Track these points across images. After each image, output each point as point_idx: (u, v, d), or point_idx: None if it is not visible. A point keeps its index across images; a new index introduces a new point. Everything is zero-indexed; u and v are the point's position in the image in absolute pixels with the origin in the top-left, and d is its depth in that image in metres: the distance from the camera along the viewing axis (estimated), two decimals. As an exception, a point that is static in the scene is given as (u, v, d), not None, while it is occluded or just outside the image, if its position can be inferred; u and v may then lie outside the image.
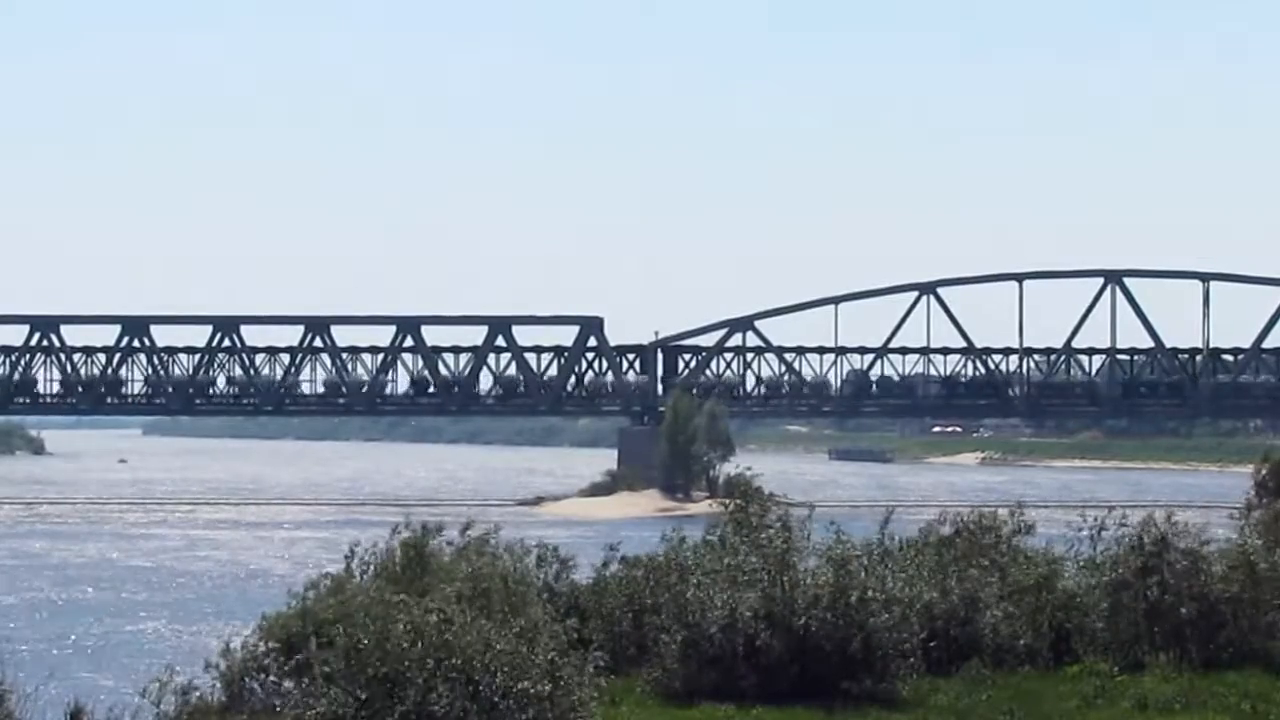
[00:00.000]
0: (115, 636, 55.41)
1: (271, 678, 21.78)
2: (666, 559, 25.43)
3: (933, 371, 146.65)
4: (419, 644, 19.33)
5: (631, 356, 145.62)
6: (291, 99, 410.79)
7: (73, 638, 54.66)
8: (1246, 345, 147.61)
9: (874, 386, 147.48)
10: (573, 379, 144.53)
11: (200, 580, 74.57)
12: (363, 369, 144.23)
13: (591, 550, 27.91)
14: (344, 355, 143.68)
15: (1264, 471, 33.19)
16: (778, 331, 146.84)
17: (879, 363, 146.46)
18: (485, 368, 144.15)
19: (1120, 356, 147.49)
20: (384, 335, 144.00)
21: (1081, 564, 27.53)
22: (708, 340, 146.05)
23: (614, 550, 26.96)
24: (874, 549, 25.64)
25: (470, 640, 19.45)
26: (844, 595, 23.78)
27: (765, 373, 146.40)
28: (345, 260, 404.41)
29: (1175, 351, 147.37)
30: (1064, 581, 27.26)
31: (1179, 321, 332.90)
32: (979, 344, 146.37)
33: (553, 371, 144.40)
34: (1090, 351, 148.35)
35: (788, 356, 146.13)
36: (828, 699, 23.38)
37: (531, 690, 19.40)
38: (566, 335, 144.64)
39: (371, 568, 23.63)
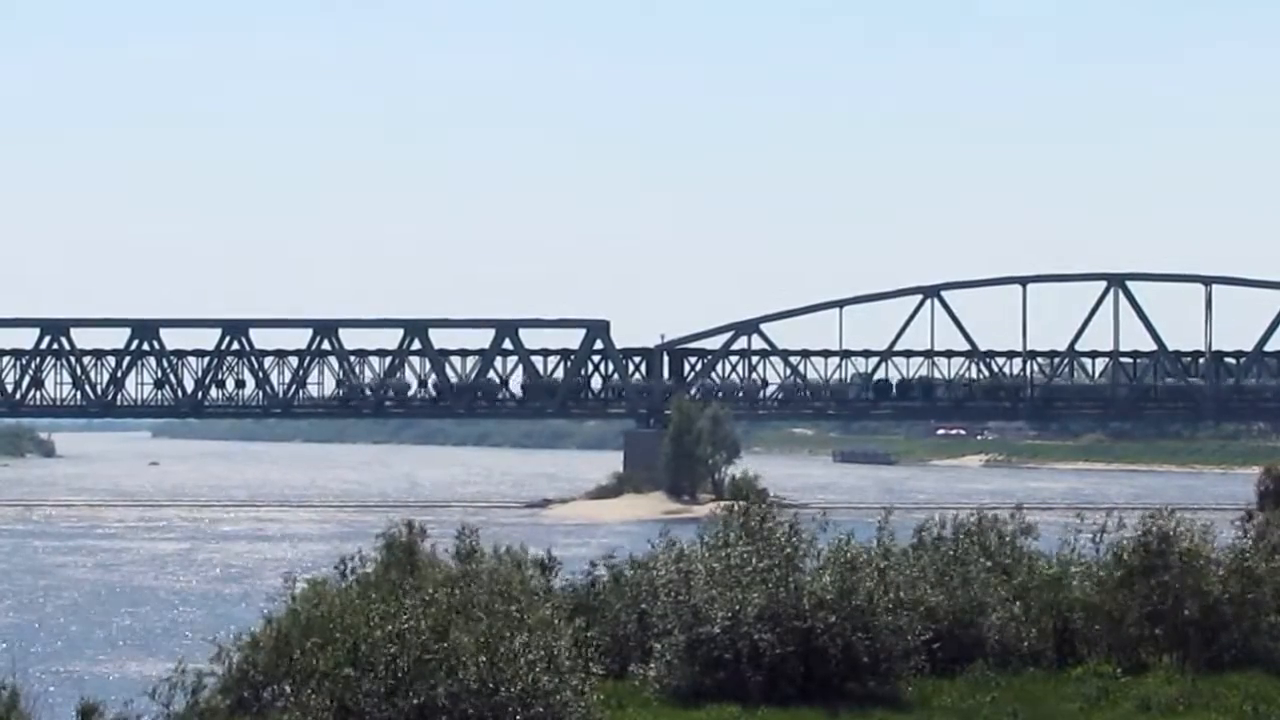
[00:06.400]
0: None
1: (262, 676, 21.80)
2: (670, 560, 25.54)
3: (937, 374, 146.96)
4: (417, 645, 19.54)
5: (638, 359, 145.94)
6: (297, 102, 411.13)
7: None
8: (1249, 348, 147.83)
9: (878, 389, 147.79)
10: (579, 382, 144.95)
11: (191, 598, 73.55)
12: (370, 372, 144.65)
13: (595, 552, 28.04)
14: (352, 358, 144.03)
15: (1269, 481, 33.34)
16: (783, 335, 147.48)
17: (884, 365, 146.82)
18: (492, 371, 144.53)
19: (1124, 359, 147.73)
20: (392, 338, 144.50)
21: (1084, 565, 27.71)
22: (713, 343, 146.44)
23: (613, 556, 27.08)
24: (878, 551, 25.82)
25: (471, 641, 19.69)
26: (849, 597, 23.99)
27: (770, 375, 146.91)
28: (353, 264, 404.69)
29: (1178, 354, 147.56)
30: (1068, 582, 27.43)
31: (1182, 324, 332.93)
32: (983, 347, 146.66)
33: (559, 374, 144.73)
34: (1094, 354, 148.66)
35: (793, 359, 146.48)
36: (832, 700, 23.52)
37: (536, 691, 19.63)
38: (573, 338, 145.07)
39: (370, 569, 23.72)
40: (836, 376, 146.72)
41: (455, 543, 24.12)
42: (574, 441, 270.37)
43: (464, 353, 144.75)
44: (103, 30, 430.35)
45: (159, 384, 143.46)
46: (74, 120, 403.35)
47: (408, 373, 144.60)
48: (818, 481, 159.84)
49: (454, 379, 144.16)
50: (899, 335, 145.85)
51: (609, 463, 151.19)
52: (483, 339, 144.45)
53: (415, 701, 19.41)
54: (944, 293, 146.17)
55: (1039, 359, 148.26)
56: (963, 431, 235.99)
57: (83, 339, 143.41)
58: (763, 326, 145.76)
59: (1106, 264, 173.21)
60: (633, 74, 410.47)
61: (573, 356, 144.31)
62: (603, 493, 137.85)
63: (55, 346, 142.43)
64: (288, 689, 20.75)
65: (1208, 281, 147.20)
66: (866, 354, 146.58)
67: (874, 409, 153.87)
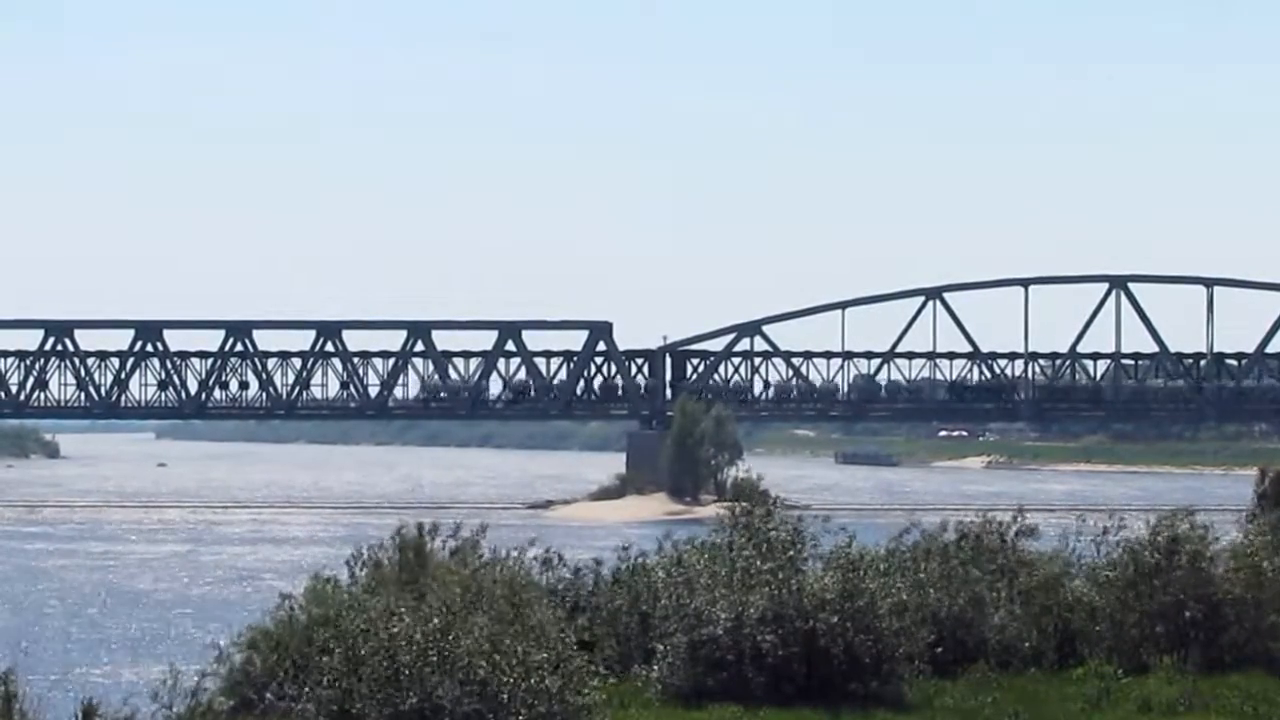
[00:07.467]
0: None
1: (264, 677, 21.85)
2: (673, 562, 25.66)
3: (939, 376, 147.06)
4: (419, 645, 19.64)
5: (640, 361, 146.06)
6: (299, 105, 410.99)
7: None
8: (1251, 350, 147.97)
9: (881, 391, 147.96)
10: (582, 383, 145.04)
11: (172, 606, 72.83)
12: (374, 374, 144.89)
13: (599, 553, 28.15)
14: (355, 360, 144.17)
15: (1266, 482, 33.33)
16: (785, 336, 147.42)
17: (886, 367, 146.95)
18: (495, 372, 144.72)
19: (1125, 361, 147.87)
20: (395, 340, 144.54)
21: (1086, 567, 27.81)
22: (716, 345, 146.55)
23: (626, 550, 27.20)
24: (881, 553, 25.94)
25: (474, 641, 19.79)
26: (851, 598, 24.11)
27: (773, 377, 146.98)
28: (356, 266, 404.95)
29: (1180, 356, 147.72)
30: (1070, 583, 27.54)
31: (1183, 326, 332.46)
32: (985, 349, 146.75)
33: (562, 376, 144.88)
34: (1095, 356, 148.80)
35: (795, 361, 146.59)
36: (834, 701, 23.63)
37: (539, 690, 19.74)
38: (576, 340, 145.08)
39: (373, 568, 23.73)
40: (839, 378, 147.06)
41: (455, 543, 24.19)
42: (576, 443, 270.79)
43: (467, 354, 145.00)
44: (103, 30, 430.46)
45: (162, 385, 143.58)
46: (75, 120, 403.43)
47: (411, 374, 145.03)
48: (820, 483, 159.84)
49: (457, 380, 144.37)
50: (901, 337, 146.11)
51: (611, 464, 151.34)
52: (485, 340, 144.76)
53: (415, 701, 19.51)
54: (946, 294, 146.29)
55: (1041, 361, 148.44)
56: (964, 433, 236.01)
57: (86, 340, 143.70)
58: (765, 328, 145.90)
59: (1108, 266, 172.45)
60: (633, 75, 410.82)
61: (575, 358, 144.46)
62: (605, 494, 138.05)
63: (59, 348, 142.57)
64: (289, 690, 20.82)
65: (1209, 283, 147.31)
66: (869, 355, 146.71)
67: (875, 410, 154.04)
